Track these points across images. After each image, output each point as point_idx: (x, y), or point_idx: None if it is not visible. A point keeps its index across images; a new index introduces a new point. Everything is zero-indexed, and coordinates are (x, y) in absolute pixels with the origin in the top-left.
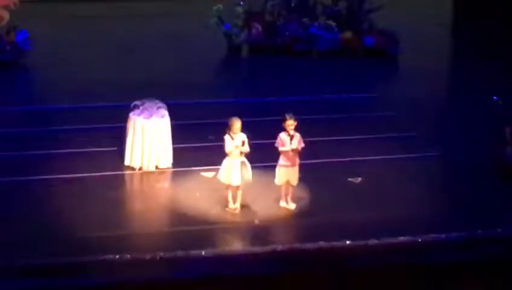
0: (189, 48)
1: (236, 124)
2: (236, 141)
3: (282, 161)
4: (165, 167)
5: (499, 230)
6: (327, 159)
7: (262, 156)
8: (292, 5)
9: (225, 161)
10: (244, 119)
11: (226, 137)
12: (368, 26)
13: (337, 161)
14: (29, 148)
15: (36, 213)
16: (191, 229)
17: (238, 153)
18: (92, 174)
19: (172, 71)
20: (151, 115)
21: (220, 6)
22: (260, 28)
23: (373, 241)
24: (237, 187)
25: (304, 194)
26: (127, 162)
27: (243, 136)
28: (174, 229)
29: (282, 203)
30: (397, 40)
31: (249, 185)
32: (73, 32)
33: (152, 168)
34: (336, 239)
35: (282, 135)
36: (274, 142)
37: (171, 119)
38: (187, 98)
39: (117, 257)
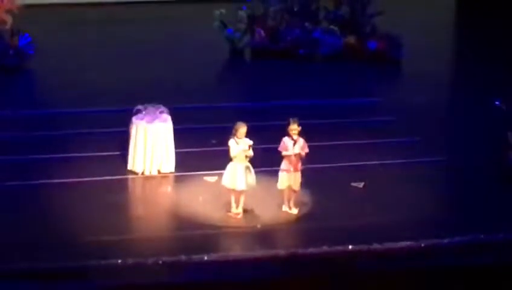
0: (192, 52)
1: (242, 129)
2: (241, 146)
3: (284, 165)
4: (167, 171)
5: (501, 235)
6: (330, 164)
7: (265, 161)
8: (295, 9)
9: (229, 166)
10: (247, 123)
11: (231, 142)
12: (370, 31)
13: (340, 165)
14: (32, 152)
15: (38, 217)
16: (193, 234)
17: (243, 157)
18: (95, 178)
19: (174, 75)
20: (153, 120)
21: (223, 10)
22: (263, 33)
23: (375, 246)
24: (241, 192)
25: (307, 199)
26: (129, 167)
27: (248, 141)
28: (177, 234)
29: (285, 208)
30: (400, 44)
31: (252, 189)
32: (77, 37)
33: (155, 173)
34: (339, 244)
35: (286, 139)
36: (277, 147)
37: (174, 124)
38: (190, 102)
39: (119, 261)
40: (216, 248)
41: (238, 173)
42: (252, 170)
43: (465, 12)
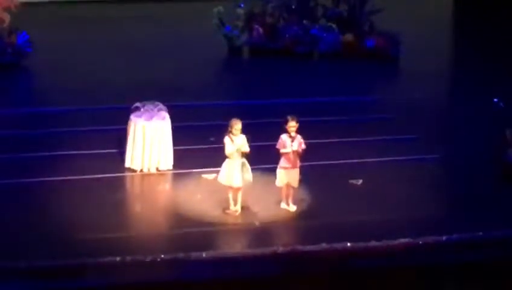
0: (190, 50)
1: (237, 125)
2: (236, 143)
3: (282, 162)
4: (165, 169)
5: (500, 232)
6: (328, 161)
7: (263, 158)
8: (293, 7)
9: (225, 163)
10: (245, 121)
11: (226, 139)
12: (368, 28)
13: (338, 162)
14: (30, 150)
15: (37, 215)
16: (191, 231)
17: (239, 154)
18: (93, 176)
19: (173, 73)
20: (151, 117)
21: (221, 8)
22: (261, 30)
23: (374, 243)
24: (238, 189)
25: (305, 196)
26: (127, 164)
27: (243, 138)
28: (175, 231)
29: (283, 205)
30: (398, 42)
31: (249, 186)
32: (74, 34)
33: (153, 170)
34: (337, 241)
35: (284, 137)
36: (275, 144)
37: (172, 121)
38: (188, 100)
39: (118, 259)
40: (214, 245)
41: (234, 169)
42: (249, 166)
43: (463, 9)
